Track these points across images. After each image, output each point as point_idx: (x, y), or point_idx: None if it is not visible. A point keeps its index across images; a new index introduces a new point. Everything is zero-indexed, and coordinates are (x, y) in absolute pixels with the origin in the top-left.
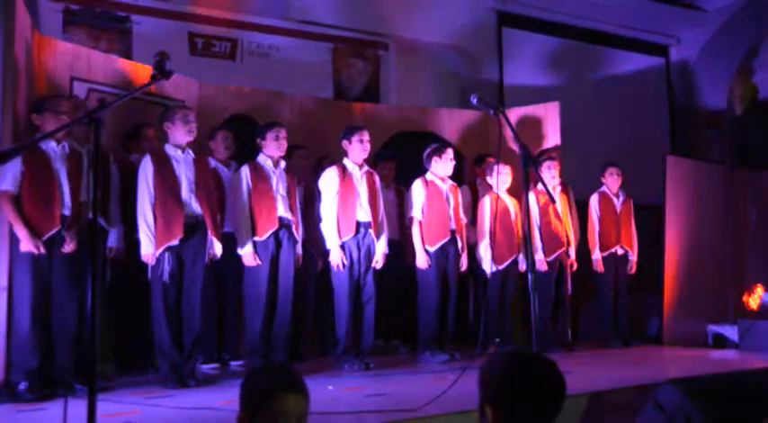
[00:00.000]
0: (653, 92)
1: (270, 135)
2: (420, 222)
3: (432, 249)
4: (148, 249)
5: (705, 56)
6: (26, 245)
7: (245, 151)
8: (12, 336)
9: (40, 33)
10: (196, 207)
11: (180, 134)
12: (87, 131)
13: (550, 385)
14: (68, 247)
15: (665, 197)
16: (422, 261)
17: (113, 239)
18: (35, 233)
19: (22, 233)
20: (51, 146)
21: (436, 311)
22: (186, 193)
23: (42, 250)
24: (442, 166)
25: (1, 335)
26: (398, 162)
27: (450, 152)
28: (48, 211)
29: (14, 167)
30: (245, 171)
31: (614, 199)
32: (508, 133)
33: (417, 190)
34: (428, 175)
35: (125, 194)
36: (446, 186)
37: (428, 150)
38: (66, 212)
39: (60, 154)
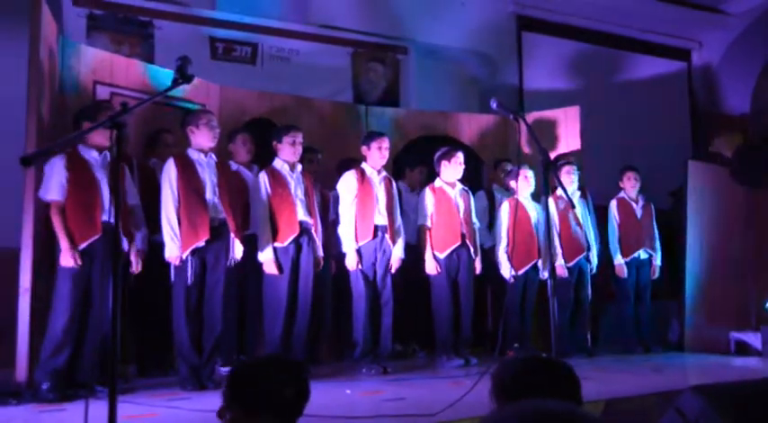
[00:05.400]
0: (674, 96)
1: (287, 139)
2: (429, 230)
3: (442, 255)
4: (173, 252)
5: (727, 60)
6: (65, 259)
7: (265, 155)
8: (45, 334)
9: (64, 38)
10: (219, 209)
11: (204, 138)
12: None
13: (563, 388)
14: (137, 267)
15: (686, 202)
16: (431, 268)
17: (139, 242)
18: (75, 243)
19: (63, 245)
20: (93, 155)
21: (449, 317)
22: (210, 195)
23: (78, 263)
24: (451, 171)
25: (24, 336)
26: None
27: (459, 156)
28: (90, 219)
29: (60, 177)
30: (263, 177)
31: (633, 204)
32: (527, 138)
33: (425, 198)
34: (437, 182)
35: (144, 199)
36: (455, 191)
37: (437, 154)
38: (106, 218)
39: (102, 163)
